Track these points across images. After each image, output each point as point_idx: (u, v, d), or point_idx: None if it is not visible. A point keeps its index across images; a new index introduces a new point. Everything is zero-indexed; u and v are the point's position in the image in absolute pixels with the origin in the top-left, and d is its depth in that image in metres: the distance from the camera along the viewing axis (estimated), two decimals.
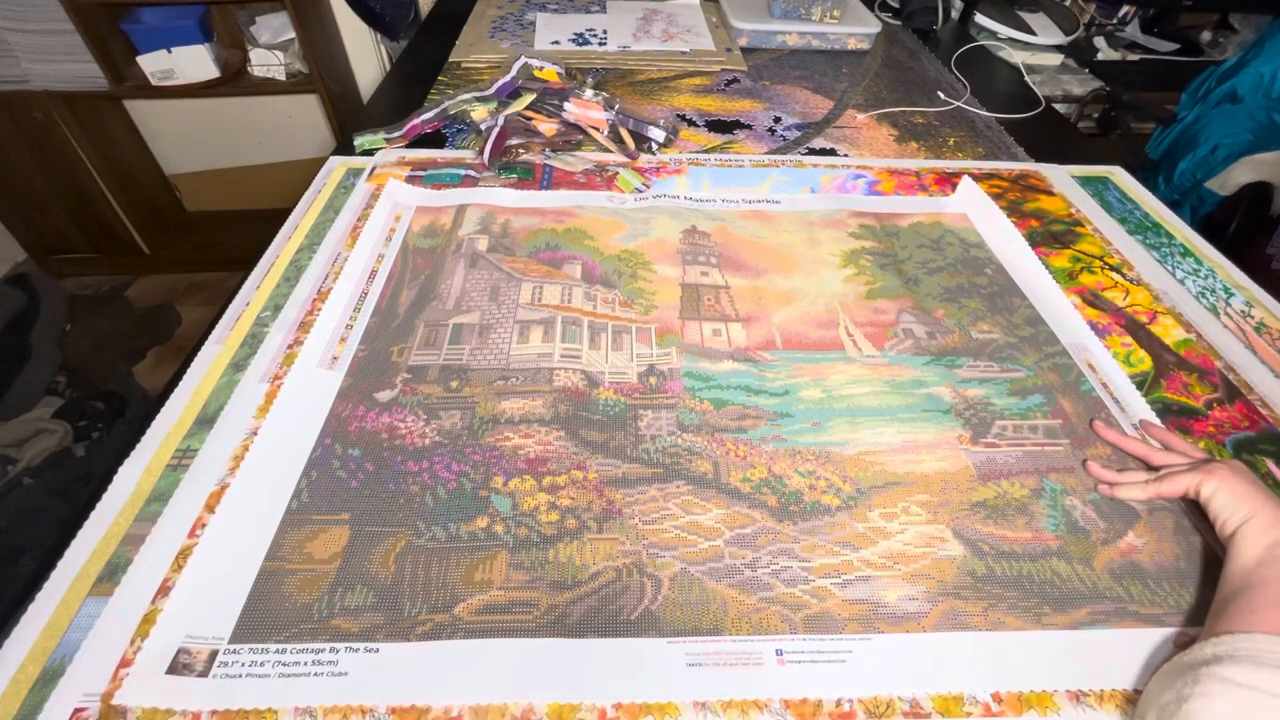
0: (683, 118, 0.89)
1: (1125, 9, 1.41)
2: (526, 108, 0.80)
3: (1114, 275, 0.65)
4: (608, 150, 0.79)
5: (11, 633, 0.36)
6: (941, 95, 0.97)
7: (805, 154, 0.83)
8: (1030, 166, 0.82)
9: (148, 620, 0.37)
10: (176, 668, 0.35)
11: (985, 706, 0.35)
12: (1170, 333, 0.59)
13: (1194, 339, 0.58)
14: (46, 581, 0.38)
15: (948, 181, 0.78)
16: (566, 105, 0.80)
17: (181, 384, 0.50)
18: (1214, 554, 0.43)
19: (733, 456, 0.47)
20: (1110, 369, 0.55)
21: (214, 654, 0.36)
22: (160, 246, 1.74)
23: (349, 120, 1.58)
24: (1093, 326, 0.59)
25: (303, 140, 1.76)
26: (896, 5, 1.26)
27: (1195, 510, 0.44)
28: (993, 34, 1.24)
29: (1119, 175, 0.82)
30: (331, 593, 0.39)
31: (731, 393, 0.52)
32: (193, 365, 0.52)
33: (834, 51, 1.10)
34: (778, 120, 0.90)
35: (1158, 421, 0.51)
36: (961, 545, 0.43)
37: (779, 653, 0.37)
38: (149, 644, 0.36)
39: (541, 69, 0.85)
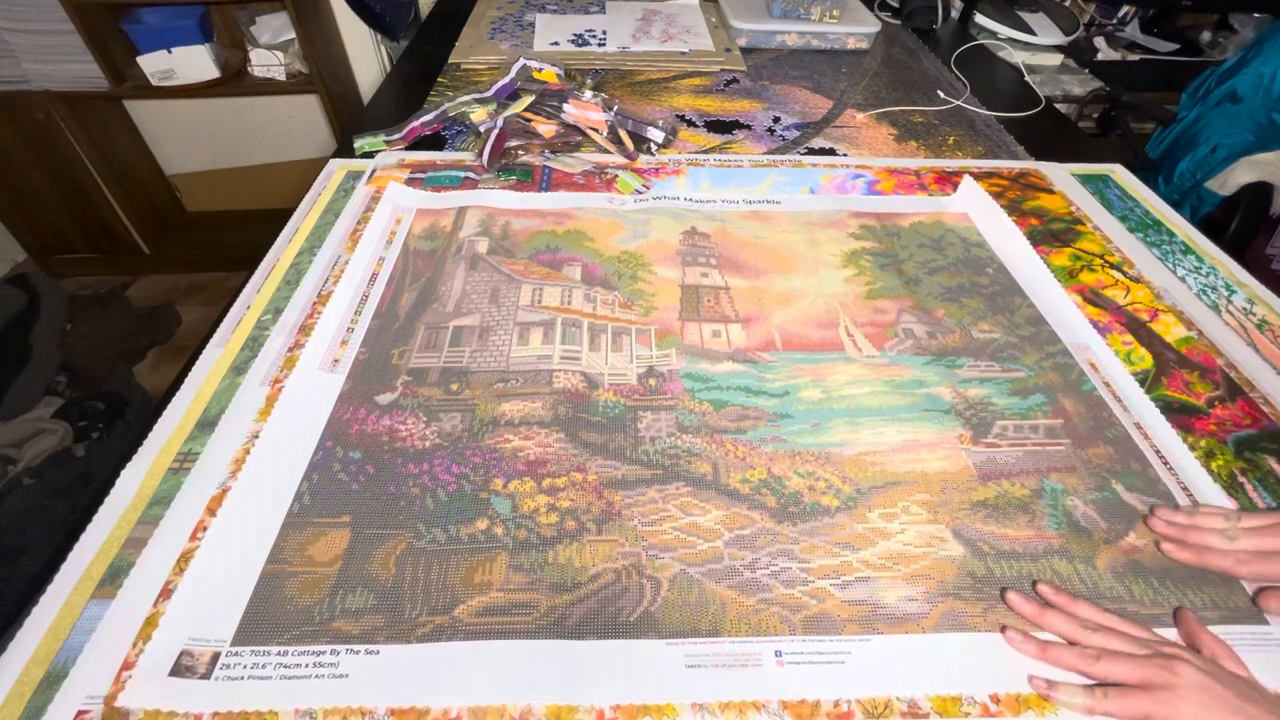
0: (682, 118, 0.89)
1: (1125, 9, 1.41)
2: (526, 109, 0.80)
3: (1114, 273, 0.65)
4: (607, 151, 0.79)
5: (15, 636, 0.36)
6: (941, 94, 0.97)
7: (804, 154, 0.83)
8: (1030, 165, 0.82)
9: (150, 623, 0.37)
10: (179, 670, 0.35)
11: (984, 707, 0.35)
12: (1171, 330, 0.59)
13: (1195, 336, 0.58)
14: (49, 585, 0.38)
15: (947, 180, 0.78)
16: (565, 106, 0.80)
17: (183, 387, 0.50)
18: None
19: (732, 458, 0.48)
20: (1112, 368, 0.55)
21: (216, 656, 0.36)
22: (160, 246, 1.74)
23: (349, 120, 1.59)
24: (1093, 325, 0.59)
25: (303, 141, 1.76)
26: (896, 5, 1.26)
27: None
28: (993, 34, 1.24)
29: (1119, 173, 0.82)
30: (332, 595, 0.39)
31: (731, 394, 0.52)
32: (194, 369, 0.52)
33: (833, 51, 1.10)
34: (777, 120, 0.90)
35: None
36: (961, 545, 0.43)
37: (778, 654, 0.37)
38: (151, 646, 0.36)
39: (541, 70, 0.85)
